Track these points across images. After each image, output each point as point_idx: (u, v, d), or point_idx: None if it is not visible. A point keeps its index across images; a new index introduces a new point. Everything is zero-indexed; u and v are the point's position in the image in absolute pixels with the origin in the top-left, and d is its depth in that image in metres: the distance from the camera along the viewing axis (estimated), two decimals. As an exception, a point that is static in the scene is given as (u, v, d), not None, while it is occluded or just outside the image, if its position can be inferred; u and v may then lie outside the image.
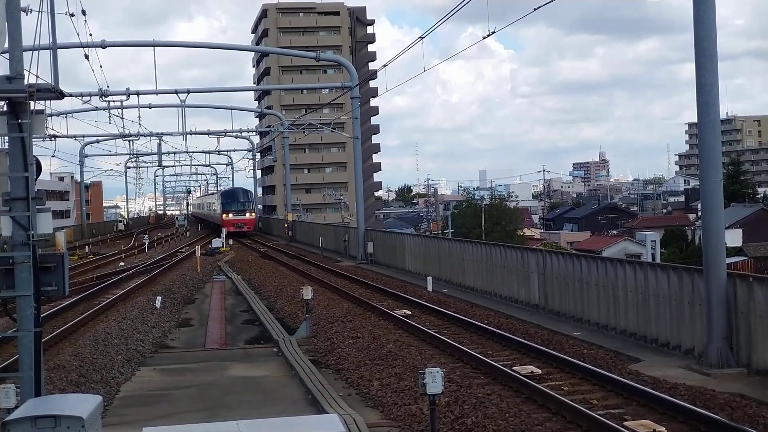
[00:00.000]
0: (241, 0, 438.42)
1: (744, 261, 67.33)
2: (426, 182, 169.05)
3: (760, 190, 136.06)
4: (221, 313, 30.07)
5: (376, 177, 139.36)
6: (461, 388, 15.88)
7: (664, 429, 13.00)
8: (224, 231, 71.96)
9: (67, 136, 66.23)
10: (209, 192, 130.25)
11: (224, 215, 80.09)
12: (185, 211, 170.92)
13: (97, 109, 49.76)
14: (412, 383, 15.99)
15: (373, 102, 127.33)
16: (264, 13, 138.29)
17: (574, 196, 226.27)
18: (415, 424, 14.09)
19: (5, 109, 13.07)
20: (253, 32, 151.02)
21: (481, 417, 13.89)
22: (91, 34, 28.59)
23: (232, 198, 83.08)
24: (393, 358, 19.19)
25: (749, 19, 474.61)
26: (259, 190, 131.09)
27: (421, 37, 29.84)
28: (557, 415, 14.18)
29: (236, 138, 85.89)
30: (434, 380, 11.74)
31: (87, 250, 65.81)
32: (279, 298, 32.61)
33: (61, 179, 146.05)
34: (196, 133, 72.60)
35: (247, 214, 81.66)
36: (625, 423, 13.28)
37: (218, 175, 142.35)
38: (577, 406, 14.14)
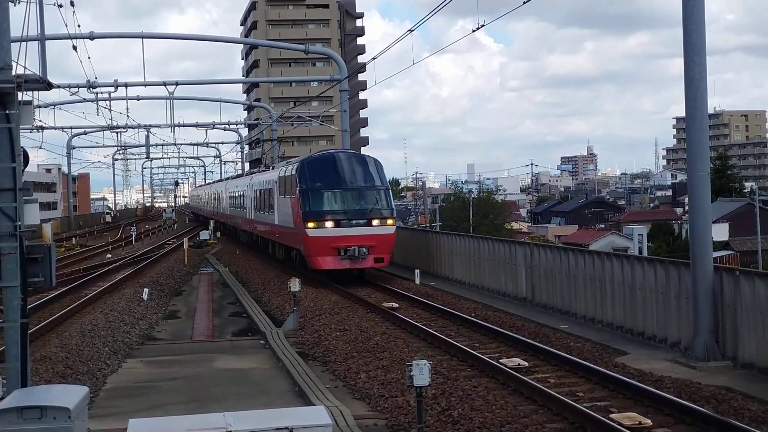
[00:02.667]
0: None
1: (730, 255, 67.64)
2: (414, 175, 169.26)
3: (747, 184, 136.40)
4: (208, 305, 30.08)
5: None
6: (448, 380, 15.92)
7: (649, 421, 13.06)
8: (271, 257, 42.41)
9: (55, 128, 65.79)
10: (252, 170, 66.02)
11: (310, 224, 32.05)
12: (172, 203, 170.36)
13: (85, 100, 49.59)
14: (399, 375, 16.02)
15: (362, 95, 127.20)
16: (253, 6, 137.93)
17: (562, 189, 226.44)
18: (402, 416, 14.13)
19: (-8, 99, 13.02)
20: (242, 24, 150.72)
21: (468, 409, 13.93)
22: (79, 26, 28.51)
23: (337, 179, 33.17)
24: (380, 351, 19.22)
25: (740, 14, 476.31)
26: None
27: (411, 30, 29.77)
28: (543, 407, 14.23)
29: (224, 130, 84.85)
30: (421, 372, 11.77)
31: (74, 242, 65.63)
32: (266, 290, 32.62)
33: (49, 171, 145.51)
34: (184, 126, 72.20)
35: (376, 223, 32.35)
36: (611, 415, 13.34)
37: (206, 168, 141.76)
38: (563, 398, 14.20)
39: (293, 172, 33.74)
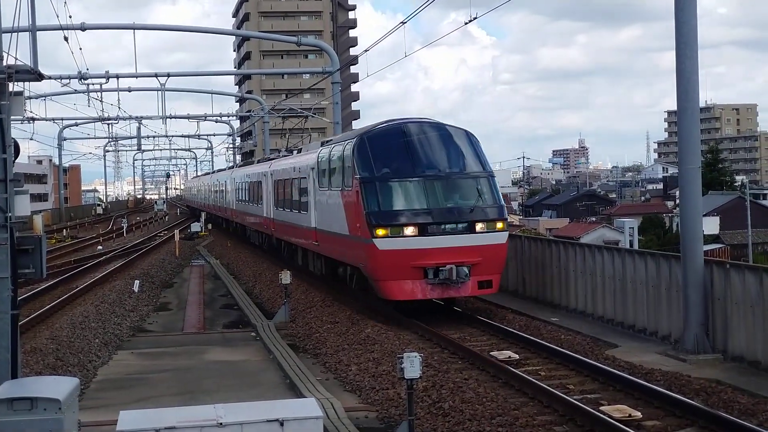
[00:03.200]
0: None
1: (721, 248, 67.86)
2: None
3: (738, 178, 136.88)
4: (199, 297, 30.05)
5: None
6: (439, 372, 15.94)
7: (639, 413, 13.10)
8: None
9: (46, 119, 65.78)
10: (269, 155, 50.10)
11: (380, 231, 21.47)
12: (164, 195, 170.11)
13: (76, 92, 49.58)
14: (390, 368, 16.04)
15: (354, 87, 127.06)
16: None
17: (554, 182, 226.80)
18: (393, 409, 14.16)
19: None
20: (234, 16, 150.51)
21: (459, 401, 13.95)
22: (70, 16, 28.56)
23: (417, 163, 22.55)
24: (371, 343, 19.22)
25: (732, 8, 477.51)
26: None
27: (403, 23, 29.73)
28: (534, 400, 14.27)
29: (216, 122, 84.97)
30: (412, 365, 11.77)
31: (65, 234, 65.52)
32: (257, 282, 32.60)
33: (40, 162, 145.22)
34: (175, 117, 72.10)
35: (480, 228, 21.79)
36: (601, 407, 13.38)
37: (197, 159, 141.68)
38: (553, 390, 14.23)
39: (348, 153, 23.43)
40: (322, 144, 28.48)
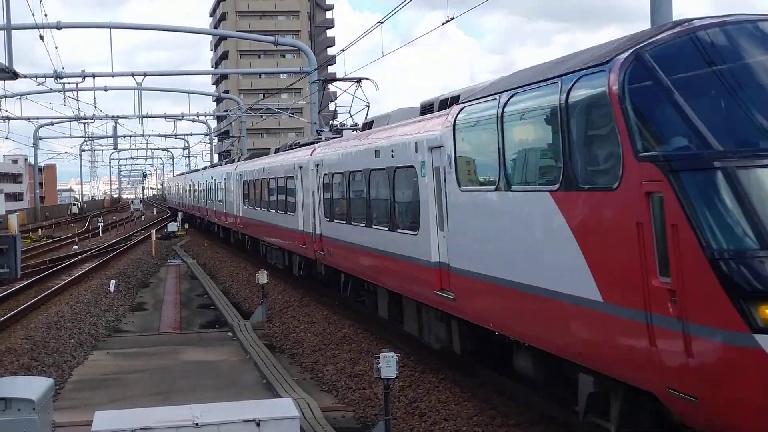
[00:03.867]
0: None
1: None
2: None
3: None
4: (176, 297, 29.94)
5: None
6: (416, 372, 15.95)
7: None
8: None
9: (21, 118, 65.49)
10: (297, 141, 33.34)
11: None
12: (140, 195, 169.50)
13: (51, 91, 49.39)
14: (367, 368, 16.03)
15: (332, 87, 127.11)
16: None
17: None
18: (369, 409, 14.16)
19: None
20: (211, 15, 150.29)
21: (435, 401, 13.97)
22: (46, 15, 28.47)
23: None
24: (348, 343, 19.23)
25: (709, 11, 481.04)
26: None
27: (380, 22, 29.74)
28: (511, 400, 14.27)
29: (193, 122, 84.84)
30: (389, 365, 11.77)
31: (40, 233, 65.15)
32: (234, 282, 32.54)
33: (15, 162, 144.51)
34: (152, 117, 72.00)
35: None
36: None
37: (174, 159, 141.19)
38: (530, 390, 14.23)
39: (587, 98, 9.62)
40: (446, 102, 15.51)
